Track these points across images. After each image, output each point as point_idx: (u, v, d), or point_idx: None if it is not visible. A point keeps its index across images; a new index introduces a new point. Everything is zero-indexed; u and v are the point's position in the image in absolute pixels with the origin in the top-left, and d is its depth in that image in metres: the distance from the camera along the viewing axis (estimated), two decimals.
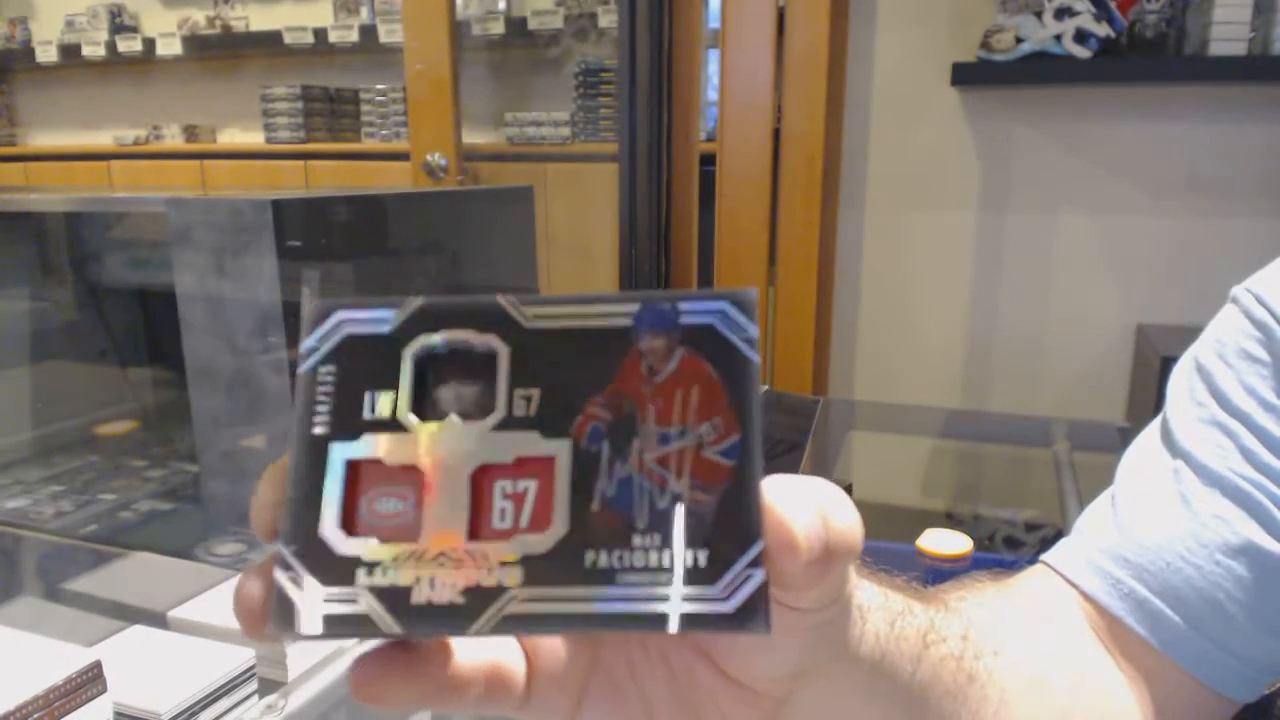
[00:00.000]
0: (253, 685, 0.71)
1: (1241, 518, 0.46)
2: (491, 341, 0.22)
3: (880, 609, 0.30)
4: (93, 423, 1.36)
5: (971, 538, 0.95)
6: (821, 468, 1.28)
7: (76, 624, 0.80)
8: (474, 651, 0.24)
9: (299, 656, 0.74)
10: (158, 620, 0.76)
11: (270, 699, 0.71)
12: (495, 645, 0.26)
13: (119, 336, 1.39)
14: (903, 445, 1.60)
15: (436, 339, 0.23)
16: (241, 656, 0.70)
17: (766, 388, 1.86)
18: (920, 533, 0.96)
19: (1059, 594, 0.49)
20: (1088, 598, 0.49)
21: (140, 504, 1.11)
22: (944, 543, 0.94)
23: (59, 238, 1.36)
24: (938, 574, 0.47)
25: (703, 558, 0.20)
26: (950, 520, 1.17)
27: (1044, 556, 0.52)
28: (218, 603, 0.78)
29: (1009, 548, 1.08)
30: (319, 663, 0.75)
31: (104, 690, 0.62)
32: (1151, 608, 0.47)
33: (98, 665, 0.62)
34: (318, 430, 0.22)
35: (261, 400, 0.92)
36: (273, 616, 0.21)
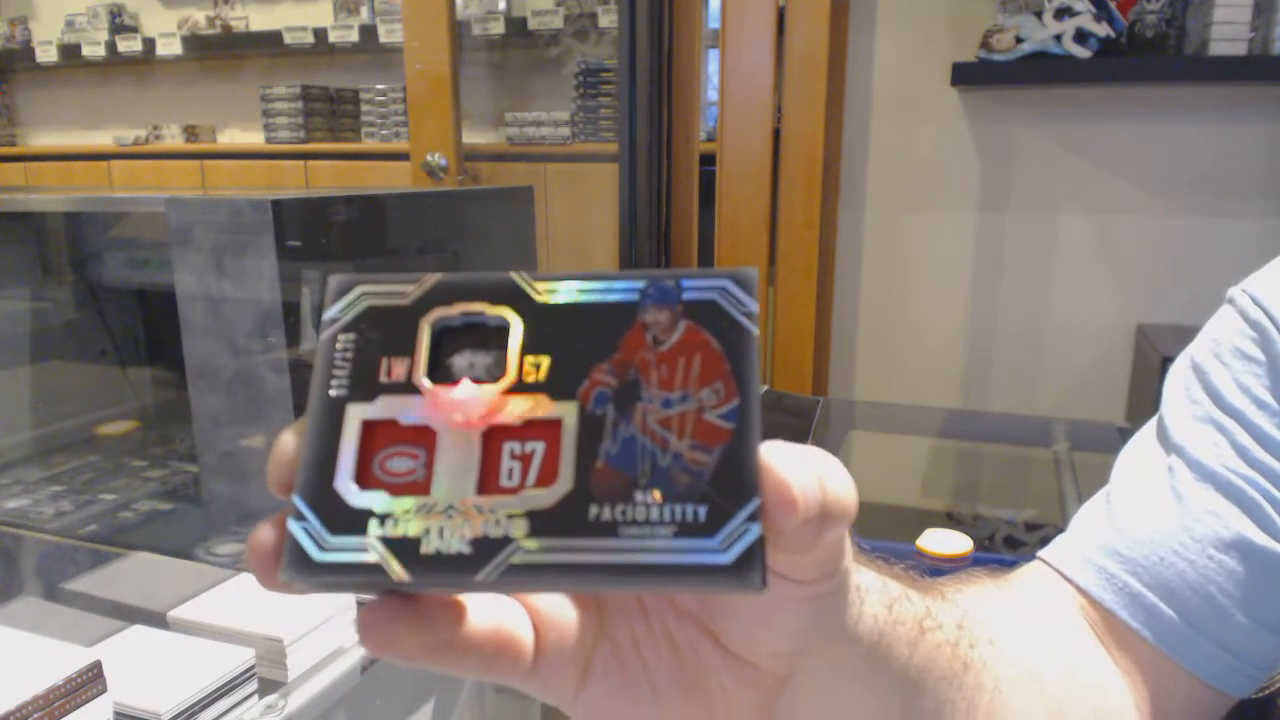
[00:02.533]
0: (253, 685, 0.71)
1: (1234, 513, 0.46)
2: (504, 314, 0.24)
3: (878, 592, 0.31)
4: (93, 423, 1.36)
5: (971, 538, 0.95)
6: None
7: (76, 624, 0.80)
8: (483, 614, 0.25)
9: (299, 656, 0.74)
10: (158, 620, 0.76)
11: (270, 699, 0.71)
12: (504, 611, 0.26)
13: (119, 336, 1.39)
14: (903, 445, 1.60)
15: (452, 310, 0.24)
16: (241, 656, 0.70)
17: (766, 388, 1.86)
18: (920, 533, 0.96)
19: (1055, 589, 0.50)
20: (1083, 592, 0.49)
21: (140, 504, 1.11)
22: (944, 543, 0.94)
23: (59, 238, 1.36)
24: (938, 574, 0.48)
25: (702, 512, 0.21)
26: (950, 520, 1.17)
27: (1040, 553, 0.52)
28: (218, 603, 0.78)
29: (1009, 547, 1.08)
30: (319, 663, 0.75)
31: (104, 690, 0.62)
32: (1145, 602, 0.47)
33: (98, 665, 0.62)
34: (335, 392, 0.23)
35: (261, 400, 0.92)
36: (285, 564, 0.22)
